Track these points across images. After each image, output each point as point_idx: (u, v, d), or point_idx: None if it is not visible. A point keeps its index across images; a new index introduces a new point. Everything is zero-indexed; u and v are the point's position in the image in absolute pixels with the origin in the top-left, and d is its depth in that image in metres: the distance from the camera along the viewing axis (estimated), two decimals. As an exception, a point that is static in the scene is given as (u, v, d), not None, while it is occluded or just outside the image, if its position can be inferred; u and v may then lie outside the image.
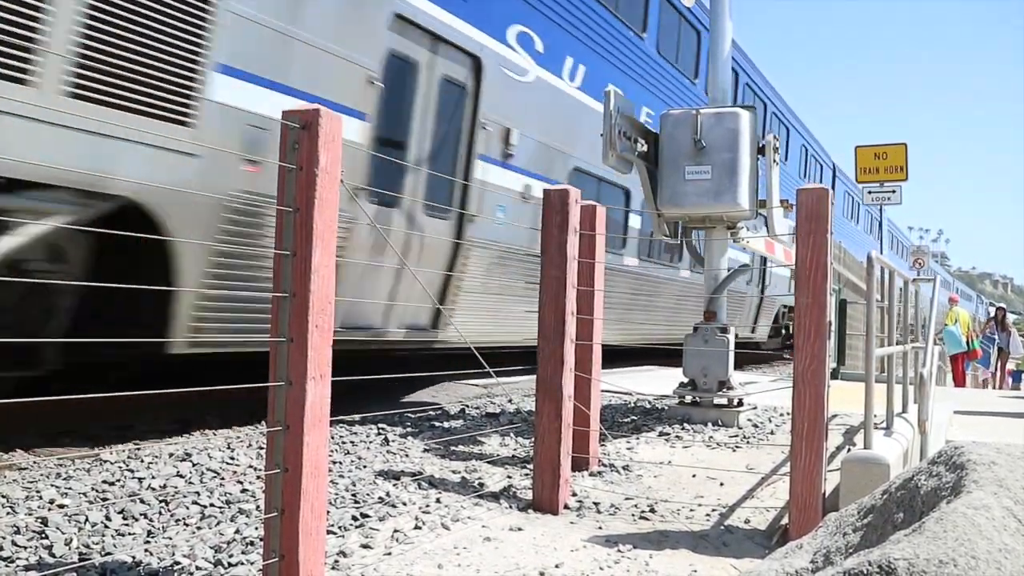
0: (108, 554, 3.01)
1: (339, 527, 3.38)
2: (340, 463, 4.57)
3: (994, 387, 18.47)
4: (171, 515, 3.50)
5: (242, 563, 2.93)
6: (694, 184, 6.01)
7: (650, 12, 10.99)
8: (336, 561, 3.03)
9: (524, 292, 7.87)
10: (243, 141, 5.18)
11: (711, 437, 5.51)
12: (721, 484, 4.38)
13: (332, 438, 5.21)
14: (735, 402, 6.06)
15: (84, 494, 3.77)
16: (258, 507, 3.61)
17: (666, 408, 6.40)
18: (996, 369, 18.78)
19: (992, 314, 20.09)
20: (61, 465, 4.42)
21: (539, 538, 3.47)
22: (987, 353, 18.85)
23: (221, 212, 5.17)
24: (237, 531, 3.30)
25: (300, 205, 2.60)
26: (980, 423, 6.82)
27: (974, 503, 1.94)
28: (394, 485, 4.11)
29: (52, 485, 3.88)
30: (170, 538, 3.21)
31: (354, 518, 3.52)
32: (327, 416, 2.65)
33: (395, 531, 3.40)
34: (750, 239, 6.87)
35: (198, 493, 3.79)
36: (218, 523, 3.42)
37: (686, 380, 6.18)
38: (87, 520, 3.36)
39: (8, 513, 3.44)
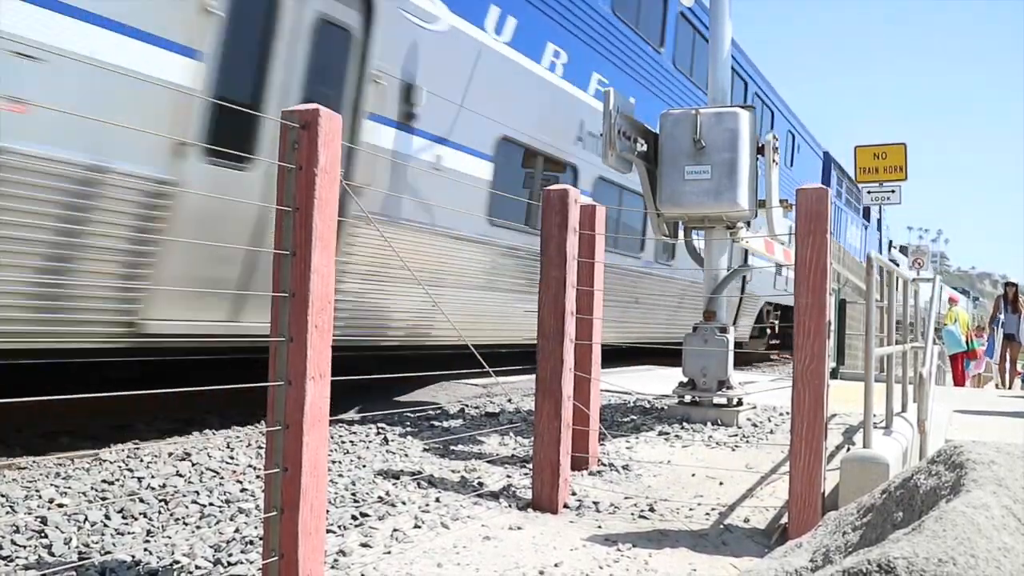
0: (107, 553, 3.01)
1: (338, 526, 3.38)
2: (339, 462, 4.57)
3: (1001, 384, 14.92)
4: (170, 514, 3.50)
5: (242, 562, 2.93)
6: (693, 184, 6.01)
7: None
8: (335, 560, 3.03)
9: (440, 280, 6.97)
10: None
11: (710, 436, 5.51)
12: (720, 483, 4.38)
13: (331, 437, 5.21)
14: (734, 401, 6.06)
15: (83, 493, 3.77)
16: (257, 506, 3.62)
17: (665, 408, 6.40)
18: (1006, 361, 14.73)
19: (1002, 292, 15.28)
20: (61, 464, 4.42)
21: (538, 537, 3.47)
22: (991, 340, 15.23)
23: None
24: (237, 530, 3.30)
25: (300, 204, 2.60)
26: (980, 423, 6.82)
27: (973, 502, 1.94)
28: (393, 484, 4.11)
29: (52, 484, 3.88)
30: (169, 537, 3.21)
31: (353, 517, 3.53)
32: (326, 416, 2.65)
33: (394, 530, 3.40)
34: (749, 238, 6.87)
35: (197, 492, 3.79)
36: (217, 522, 3.42)
37: (685, 379, 6.18)
38: (86, 519, 3.36)
39: (8, 512, 3.44)
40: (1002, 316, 14.61)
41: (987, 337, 15.82)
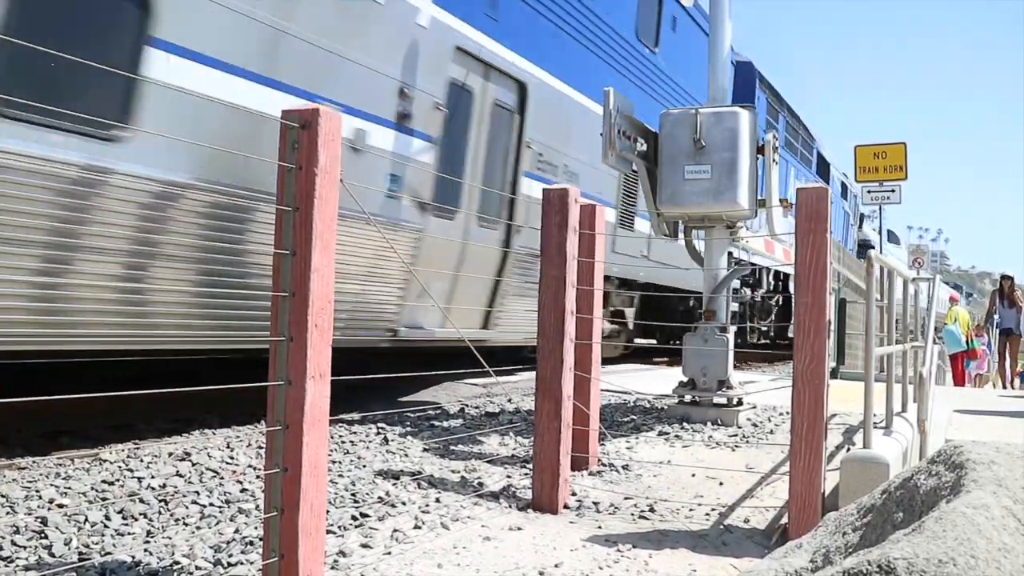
0: (108, 554, 3.01)
1: (339, 527, 3.38)
2: (339, 463, 4.57)
3: (1001, 383, 14.23)
4: (171, 515, 3.50)
5: (242, 563, 2.93)
6: (693, 183, 6.01)
7: None
8: (336, 561, 3.03)
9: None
10: None
11: (710, 436, 5.51)
12: (720, 483, 4.38)
13: (331, 437, 5.20)
14: (734, 401, 6.06)
15: (84, 494, 3.77)
16: (258, 507, 3.61)
17: (665, 407, 6.40)
18: (1006, 359, 13.85)
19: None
20: (61, 465, 4.41)
21: (538, 538, 3.47)
22: (989, 340, 14.60)
23: None
24: (237, 531, 3.30)
25: (300, 204, 2.60)
26: (979, 422, 6.81)
27: (973, 502, 1.94)
28: (393, 485, 4.11)
29: (52, 485, 3.88)
30: (169, 538, 3.21)
31: (353, 518, 3.52)
32: (326, 415, 2.65)
33: (395, 531, 3.40)
34: (748, 237, 6.87)
35: (197, 493, 3.79)
36: (218, 523, 3.42)
37: (685, 379, 6.18)
38: (86, 520, 3.36)
39: (8, 513, 3.44)
40: (997, 314, 14.02)
41: (987, 336, 15.37)
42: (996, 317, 14.09)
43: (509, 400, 7.14)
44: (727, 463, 4.79)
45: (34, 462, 4.47)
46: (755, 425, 5.92)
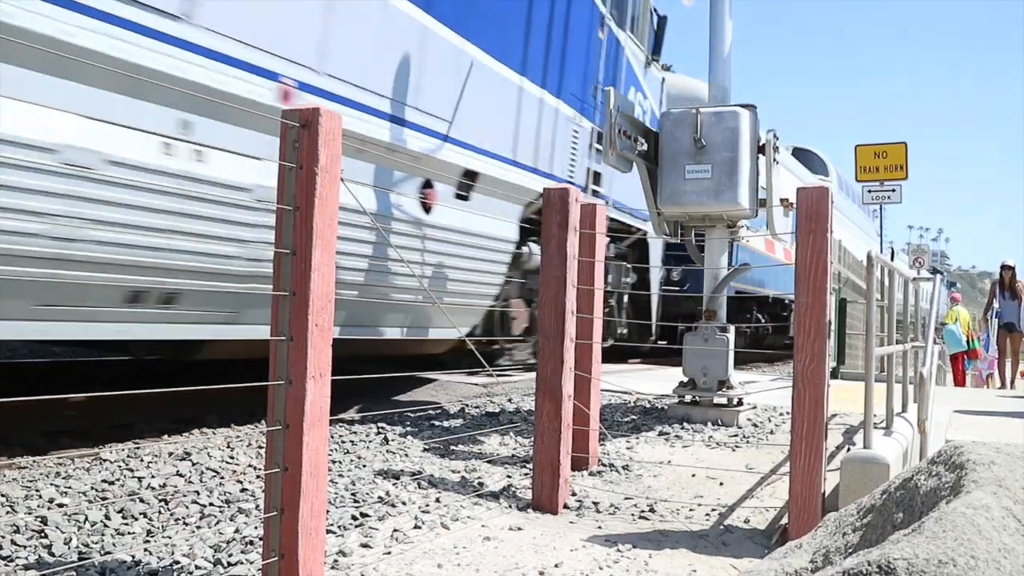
0: (107, 553, 3.01)
1: (339, 526, 3.38)
2: (340, 462, 4.57)
3: (1002, 382, 13.59)
4: (171, 514, 3.50)
5: (242, 562, 2.93)
6: (694, 183, 6.01)
7: None
8: (336, 561, 3.03)
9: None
10: None
11: (711, 437, 5.51)
12: (721, 484, 4.38)
13: (332, 437, 5.20)
14: (735, 401, 6.06)
15: (84, 493, 3.77)
16: (258, 506, 3.61)
17: (666, 407, 6.39)
18: (1005, 355, 13.13)
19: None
20: (61, 464, 4.42)
21: (539, 538, 3.47)
22: (988, 333, 14.10)
23: None
24: (237, 530, 3.30)
25: (300, 203, 2.60)
26: (980, 423, 6.81)
27: (973, 503, 1.94)
28: (394, 484, 4.11)
29: (52, 484, 3.88)
30: (169, 537, 3.21)
31: (353, 517, 3.52)
32: (327, 415, 2.65)
33: (395, 530, 3.40)
34: (749, 237, 6.87)
35: (198, 492, 3.79)
36: (218, 522, 3.42)
37: (686, 379, 6.18)
38: (86, 519, 3.36)
39: (8, 512, 3.44)
40: (997, 304, 13.34)
41: (984, 331, 15.00)
42: (996, 308, 13.42)
43: (509, 400, 7.14)
44: (727, 463, 4.79)
45: (34, 462, 4.47)
46: (755, 425, 5.92)
